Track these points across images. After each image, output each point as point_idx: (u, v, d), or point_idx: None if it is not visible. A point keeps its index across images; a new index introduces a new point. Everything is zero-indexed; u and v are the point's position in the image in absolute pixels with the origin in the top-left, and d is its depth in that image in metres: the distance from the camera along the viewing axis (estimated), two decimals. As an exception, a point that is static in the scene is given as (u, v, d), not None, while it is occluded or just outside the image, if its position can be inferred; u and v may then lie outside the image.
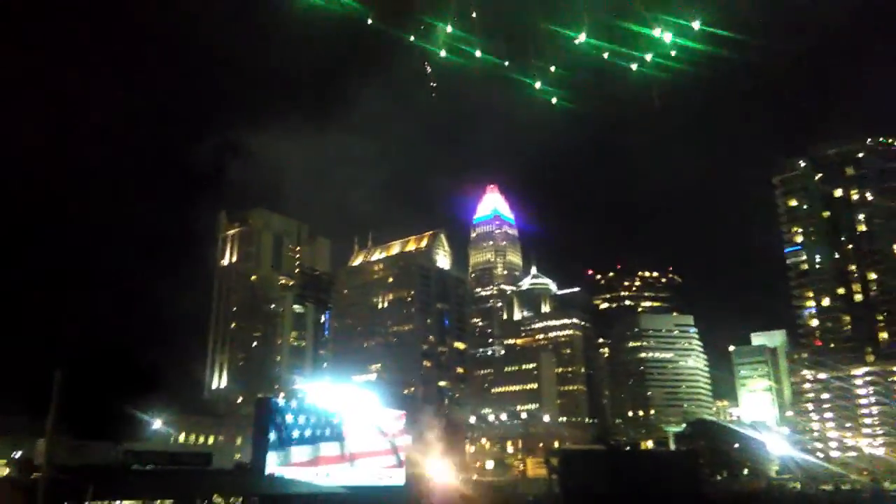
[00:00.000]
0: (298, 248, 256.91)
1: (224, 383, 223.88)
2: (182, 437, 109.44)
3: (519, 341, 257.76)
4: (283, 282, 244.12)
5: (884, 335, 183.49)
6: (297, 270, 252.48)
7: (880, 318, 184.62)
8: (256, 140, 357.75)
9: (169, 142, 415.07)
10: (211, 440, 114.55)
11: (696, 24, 51.84)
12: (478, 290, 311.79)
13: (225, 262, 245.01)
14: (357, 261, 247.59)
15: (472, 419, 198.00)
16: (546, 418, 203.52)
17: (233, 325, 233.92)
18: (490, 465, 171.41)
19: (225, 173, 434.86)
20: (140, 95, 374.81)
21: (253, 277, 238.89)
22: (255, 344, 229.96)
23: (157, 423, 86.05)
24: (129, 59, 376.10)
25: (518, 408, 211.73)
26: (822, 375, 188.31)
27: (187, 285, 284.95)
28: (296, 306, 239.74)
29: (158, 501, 50.83)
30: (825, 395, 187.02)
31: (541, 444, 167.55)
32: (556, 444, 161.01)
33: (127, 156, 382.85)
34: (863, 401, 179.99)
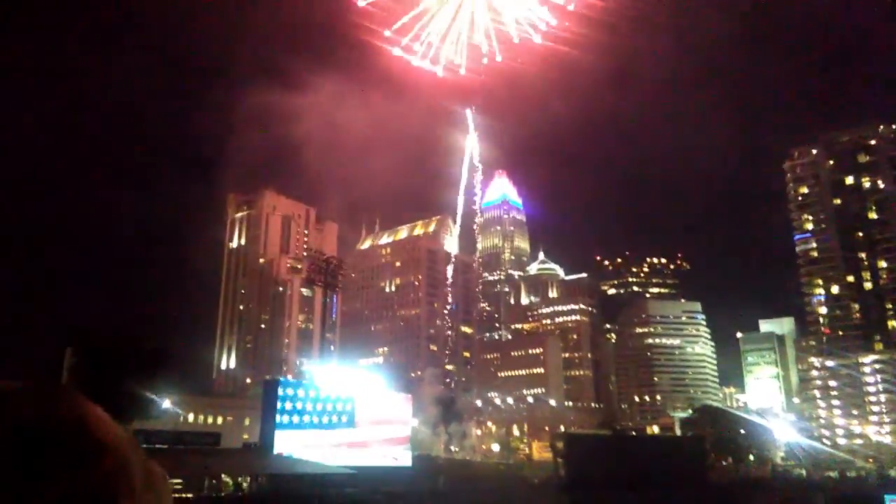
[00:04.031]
0: (306, 231, 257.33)
1: (232, 365, 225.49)
2: (191, 418, 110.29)
3: (526, 326, 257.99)
4: (291, 265, 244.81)
5: (893, 323, 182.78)
6: (305, 254, 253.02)
7: (889, 306, 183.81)
8: (265, 120, 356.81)
9: (174, 121, 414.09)
10: (220, 420, 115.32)
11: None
12: (485, 274, 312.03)
13: (233, 244, 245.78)
14: (365, 244, 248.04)
15: (479, 403, 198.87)
16: (552, 402, 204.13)
17: (241, 307, 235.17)
18: (496, 447, 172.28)
19: (233, 155, 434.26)
20: (144, 74, 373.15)
21: (261, 260, 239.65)
22: (263, 326, 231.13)
23: (166, 404, 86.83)
24: (127, 29, 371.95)
25: (524, 392, 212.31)
26: (829, 363, 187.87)
27: (196, 268, 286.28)
28: (303, 289, 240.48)
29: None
30: (832, 383, 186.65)
31: (546, 428, 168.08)
32: (562, 429, 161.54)
33: (132, 137, 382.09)
34: (870, 388, 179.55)
